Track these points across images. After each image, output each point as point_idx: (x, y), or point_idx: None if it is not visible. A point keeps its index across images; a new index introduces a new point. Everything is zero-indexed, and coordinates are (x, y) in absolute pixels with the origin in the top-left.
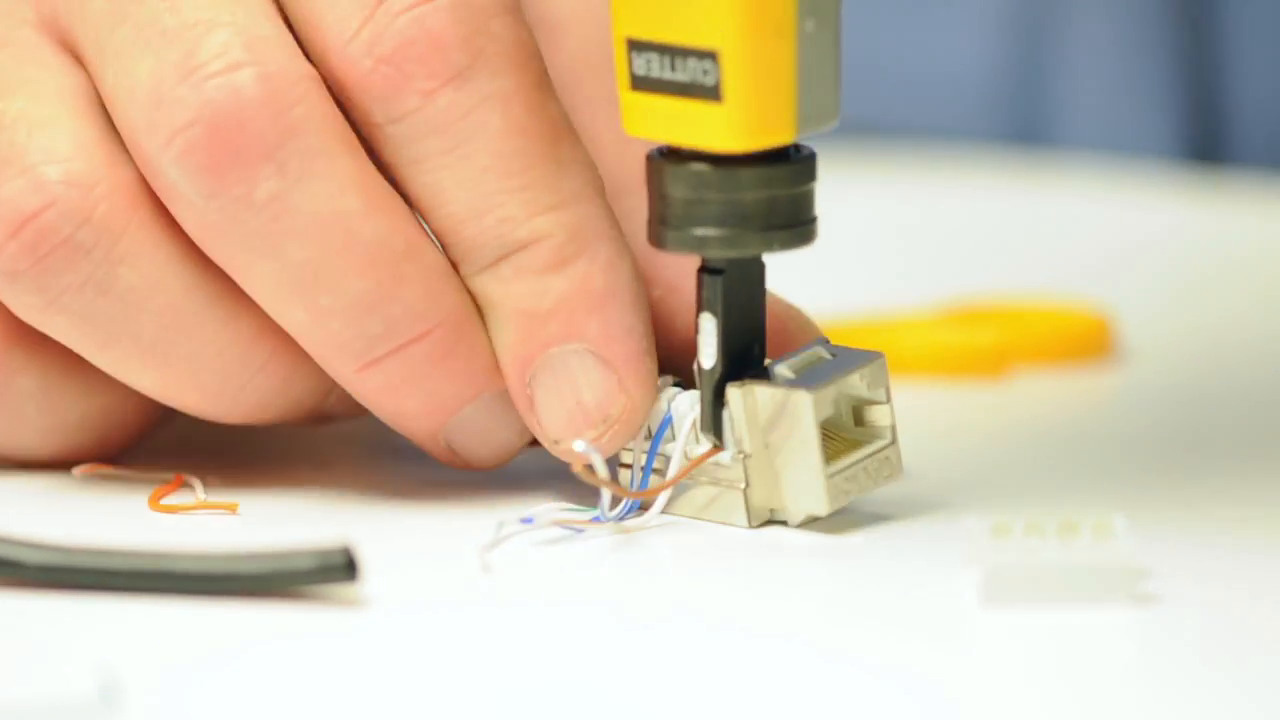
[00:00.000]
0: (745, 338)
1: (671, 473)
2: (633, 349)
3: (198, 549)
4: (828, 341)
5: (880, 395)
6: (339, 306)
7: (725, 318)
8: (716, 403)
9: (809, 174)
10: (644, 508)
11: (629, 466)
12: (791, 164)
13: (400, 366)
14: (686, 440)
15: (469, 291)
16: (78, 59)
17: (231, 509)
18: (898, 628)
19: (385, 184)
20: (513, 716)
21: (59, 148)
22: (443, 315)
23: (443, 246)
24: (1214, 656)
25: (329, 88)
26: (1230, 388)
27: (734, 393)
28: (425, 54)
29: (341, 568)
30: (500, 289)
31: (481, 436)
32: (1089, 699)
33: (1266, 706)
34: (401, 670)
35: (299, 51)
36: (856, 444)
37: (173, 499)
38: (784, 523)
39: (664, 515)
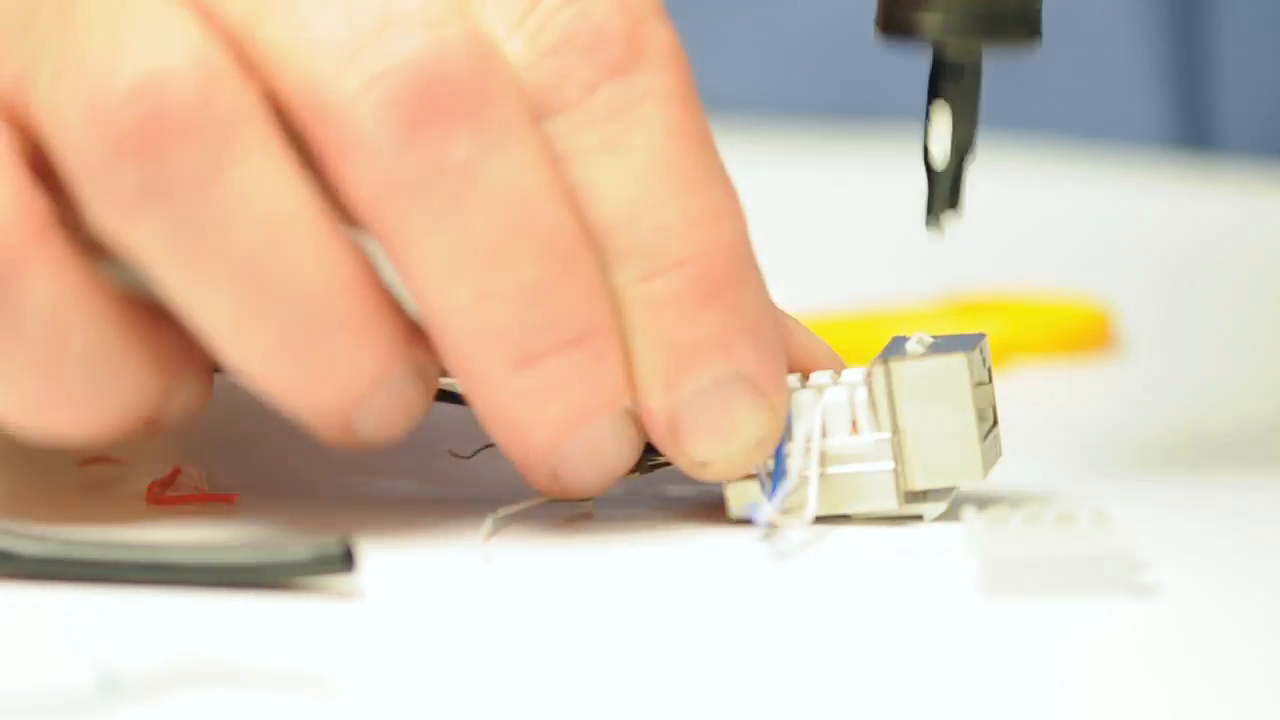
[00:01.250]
0: (969, 141)
1: (811, 468)
2: (780, 372)
3: (195, 541)
4: (906, 337)
5: (985, 376)
6: (509, 289)
7: (961, 114)
8: (953, 196)
9: None
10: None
11: (751, 477)
12: None
13: (556, 368)
14: (820, 435)
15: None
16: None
17: (229, 500)
18: (896, 618)
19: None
20: (511, 707)
21: (187, 30)
22: (602, 320)
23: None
24: (1212, 647)
25: None
26: (1230, 380)
27: (876, 372)
28: (589, 45)
29: (339, 559)
30: (649, 314)
31: (595, 459)
32: (1087, 689)
33: (1263, 698)
34: (399, 661)
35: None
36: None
37: (170, 491)
38: (919, 517)
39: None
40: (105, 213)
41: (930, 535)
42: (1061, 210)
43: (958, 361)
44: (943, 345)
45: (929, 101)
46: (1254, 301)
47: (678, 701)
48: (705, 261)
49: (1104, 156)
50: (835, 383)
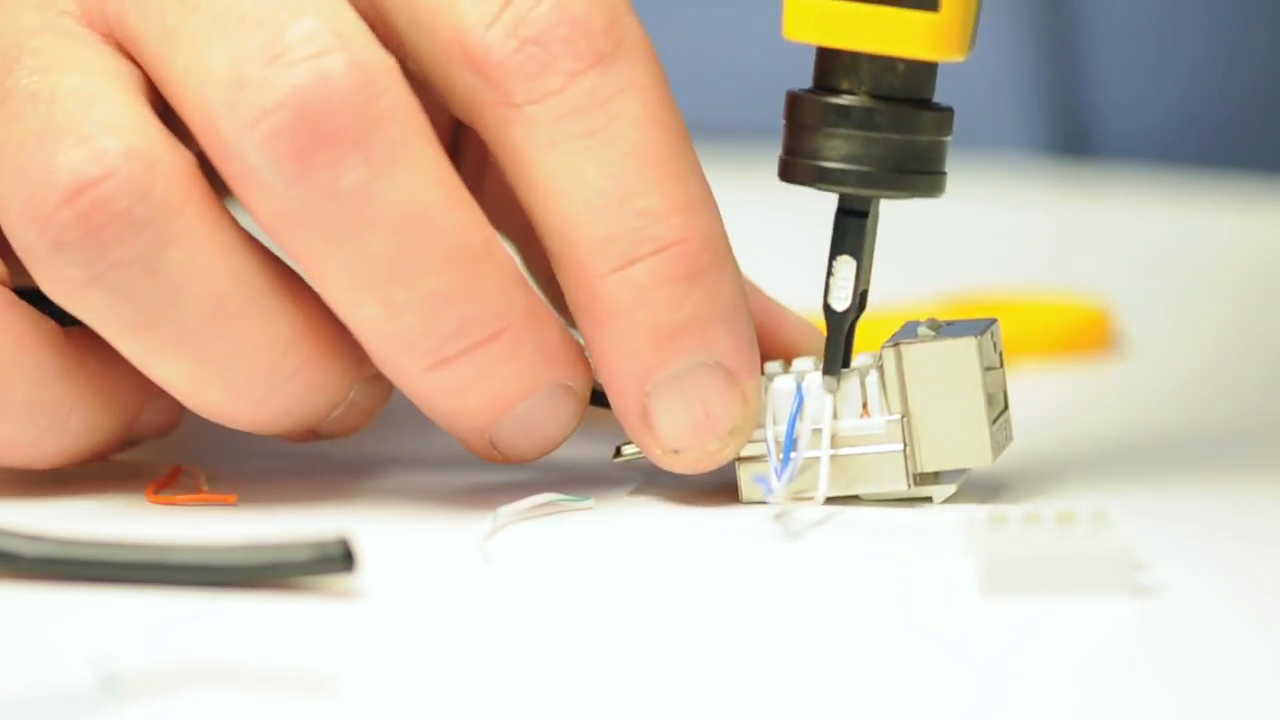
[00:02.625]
0: (867, 283)
1: (822, 450)
2: (754, 360)
3: (195, 541)
4: (919, 322)
5: (996, 361)
6: (415, 302)
7: (862, 261)
8: (847, 346)
9: (951, 126)
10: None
11: (752, 459)
12: (944, 112)
13: (470, 366)
14: (829, 417)
15: (591, 294)
16: (126, 51)
17: (229, 500)
18: (897, 617)
19: (461, 181)
20: (510, 707)
21: (120, 120)
22: (515, 314)
23: (567, 240)
24: (1211, 647)
25: (430, 78)
26: (1229, 381)
27: (887, 354)
28: (571, 36)
29: (339, 559)
30: (633, 296)
31: (529, 432)
32: (1086, 689)
33: (1263, 697)
34: (399, 661)
35: (379, 43)
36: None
37: (170, 491)
38: (929, 499)
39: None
40: (56, 293)
41: (930, 533)
42: (1071, 215)
43: (967, 345)
44: (953, 329)
45: (831, 256)
46: (1256, 306)
47: (677, 701)
48: (686, 246)
49: (982, 167)
50: (816, 368)
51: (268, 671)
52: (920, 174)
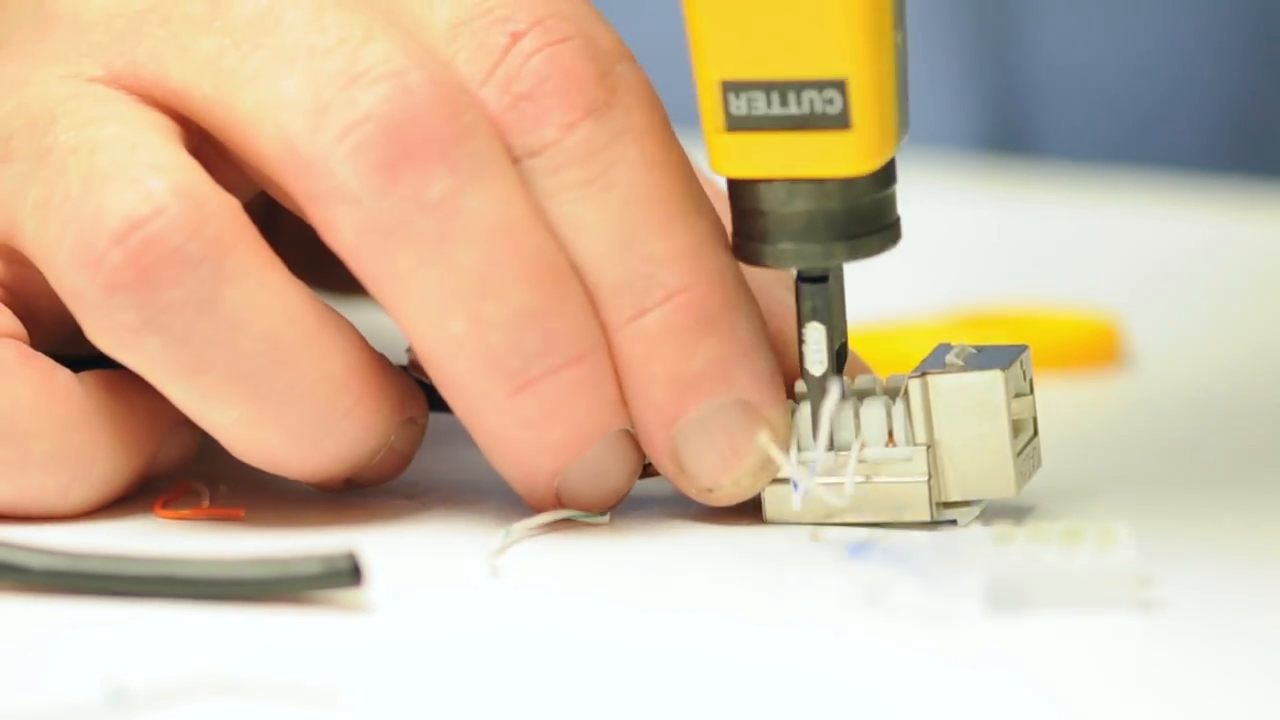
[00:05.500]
0: (842, 338)
1: (848, 475)
2: (777, 391)
3: (203, 555)
4: (950, 345)
5: (1026, 388)
6: (502, 317)
7: (832, 323)
8: (825, 407)
9: (894, 175)
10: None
11: (777, 482)
12: (882, 168)
13: (555, 390)
14: (858, 443)
15: (609, 346)
16: (165, 107)
17: (237, 515)
18: (901, 634)
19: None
20: None
21: (165, 162)
22: (596, 340)
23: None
24: (1218, 664)
25: None
26: (1237, 394)
27: (914, 385)
28: (563, 88)
29: (347, 573)
30: (647, 348)
31: (598, 479)
32: (1092, 706)
33: (1271, 714)
34: (406, 675)
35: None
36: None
37: (178, 505)
38: (954, 521)
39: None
40: (106, 343)
41: (935, 549)
42: (1078, 227)
43: (994, 378)
44: (982, 358)
45: (800, 325)
46: (1264, 319)
47: (682, 711)
48: (695, 292)
49: (921, 163)
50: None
51: (275, 685)
52: (870, 234)
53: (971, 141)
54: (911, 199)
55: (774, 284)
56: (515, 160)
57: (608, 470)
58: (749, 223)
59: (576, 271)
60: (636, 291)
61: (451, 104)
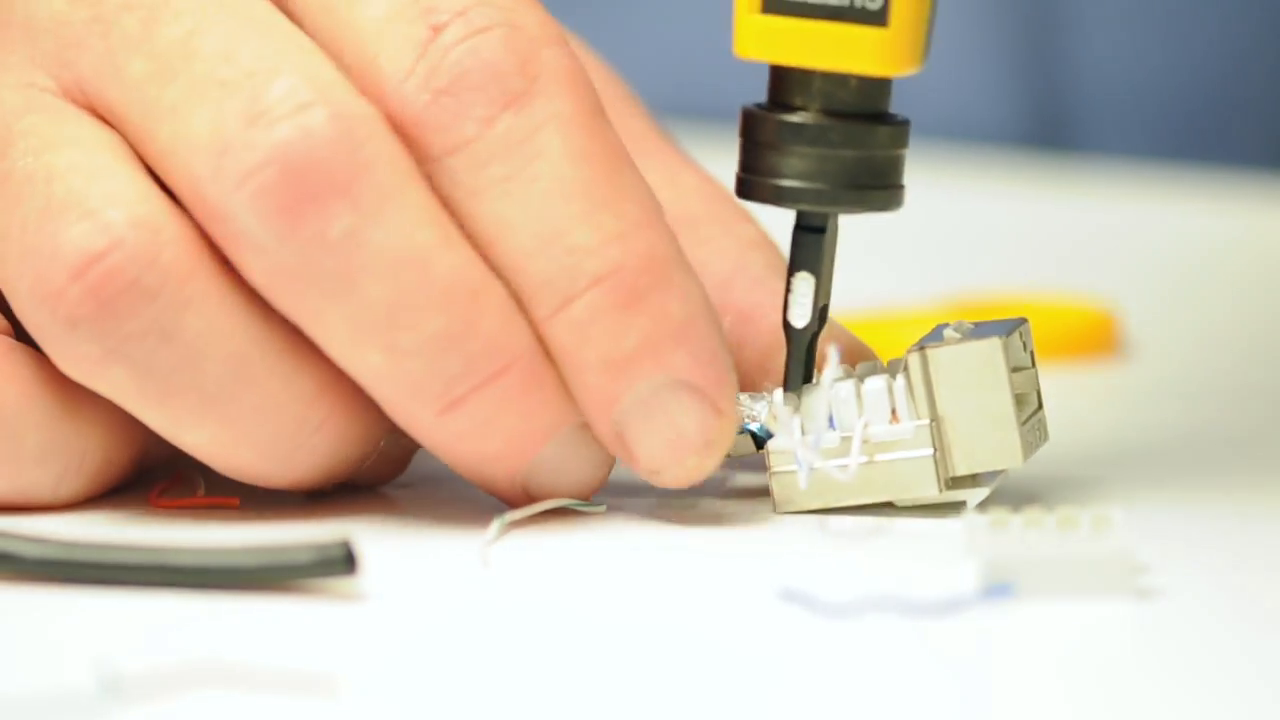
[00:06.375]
0: (826, 299)
1: (851, 457)
2: (720, 371)
3: (197, 543)
4: (948, 325)
5: (1027, 360)
6: (417, 345)
7: (820, 277)
8: (808, 361)
9: (907, 138)
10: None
11: (785, 473)
12: (899, 125)
13: (482, 405)
14: (862, 422)
15: (541, 338)
16: (109, 124)
17: (231, 503)
18: (897, 622)
19: (451, 220)
20: (511, 710)
21: (121, 192)
22: (520, 348)
23: (510, 287)
24: (1214, 650)
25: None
26: (1234, 383)
27: (913, 359)
28: (482, 82)
29: (341, 561)
30: (576, 335)
31: (562, 473)
32: (1088, 693)
33: (1267, 701)
34: (401, 663)
35: (358, 93)
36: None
37: (173, 493)
38: (963, 503)
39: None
40: (73, 373)
41: (931, 536)
42: (1075, 216)
43: (992, 345)
44: (980, 330)
45: (790, 273)
46: (1260, 307)
47: (676, 703)
48: (622, 275)
49: (963, 157)
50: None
51: (269, 673)
52: (876, 189)
53: (1015, 137)
54: (915, 189)
55: (734, 275)
56: (436, 159)
57: (569, 466)
58: (757, 157)
59: (502, 272)
60: (564, 281)
61: (350, 139)
